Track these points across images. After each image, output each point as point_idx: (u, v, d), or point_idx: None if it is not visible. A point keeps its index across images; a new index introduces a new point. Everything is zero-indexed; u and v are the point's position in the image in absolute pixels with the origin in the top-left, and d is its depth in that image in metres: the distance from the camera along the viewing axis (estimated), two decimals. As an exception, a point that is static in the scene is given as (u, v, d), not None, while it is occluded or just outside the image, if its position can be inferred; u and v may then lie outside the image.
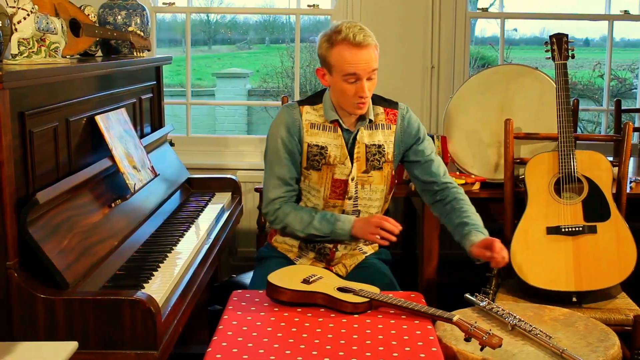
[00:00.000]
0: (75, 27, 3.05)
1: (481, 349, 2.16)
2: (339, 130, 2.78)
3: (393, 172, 2.89)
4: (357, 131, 2.79)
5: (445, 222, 2.85)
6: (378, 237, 2.68)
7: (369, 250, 2.94)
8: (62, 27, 2.73)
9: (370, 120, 2.79)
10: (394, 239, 2.68)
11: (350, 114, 2.76)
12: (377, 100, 2.84)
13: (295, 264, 2.86)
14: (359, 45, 2.61)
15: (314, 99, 2.84)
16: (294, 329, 2.24)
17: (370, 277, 2.71)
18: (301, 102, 2.83)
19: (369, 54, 2.63)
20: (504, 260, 2.59)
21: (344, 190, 2.80)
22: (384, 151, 2.82)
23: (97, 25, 3.32)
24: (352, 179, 2.79)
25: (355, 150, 2.79)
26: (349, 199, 2.81)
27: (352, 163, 2.78)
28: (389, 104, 2.86)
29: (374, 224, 2.69)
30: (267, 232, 3.97)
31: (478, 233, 2.70)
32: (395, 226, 2.67)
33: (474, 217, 2.78)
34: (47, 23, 2.62)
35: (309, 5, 4.64)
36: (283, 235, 2.93)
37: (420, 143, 2.86)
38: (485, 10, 4.88)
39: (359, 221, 2.75)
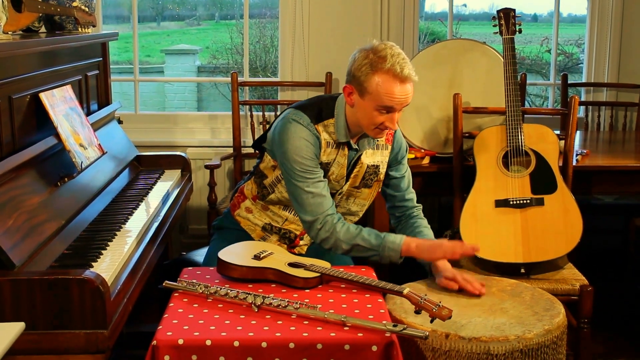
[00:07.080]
0: (17, 2, 2.97)
1: (431, 321, 2.19)
2: (346, 149, 2.70)
3: (379, 189, 2.86)
4: (362, 152, 2.73)
5: (397, 229, 2.87)
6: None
7: None
8: (2, 2, 2.66)
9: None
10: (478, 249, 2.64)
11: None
12: None
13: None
14: (403, 79, 2.49)
15: (321, 113, 2.66)
16: (245, 305, 2.24)
17: (327, 253, 2.70)
18: (314, 120, 2.64)
19: (409, 89, 2.52)
20: (481, 289, 2.54)
21: None
22: (379, 171, 2.78)
23: (40, 0, 3.24)
24: (340, 194, 2.76)
25: (355, 170, 2.74)
26: None
27: (346, 181, 2.74)
28: None
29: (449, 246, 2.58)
30: (219, 208, 3.96)
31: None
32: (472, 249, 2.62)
33: (426, 232, 2.80)
34: (-13, -2, 2.55)
35: (257, -20, 4.59)
36: (246, 212, 2.85)
37: (402, 163, 2.85)
38: (434, -15, 4.89)
39: (422, 243, 2.62)
